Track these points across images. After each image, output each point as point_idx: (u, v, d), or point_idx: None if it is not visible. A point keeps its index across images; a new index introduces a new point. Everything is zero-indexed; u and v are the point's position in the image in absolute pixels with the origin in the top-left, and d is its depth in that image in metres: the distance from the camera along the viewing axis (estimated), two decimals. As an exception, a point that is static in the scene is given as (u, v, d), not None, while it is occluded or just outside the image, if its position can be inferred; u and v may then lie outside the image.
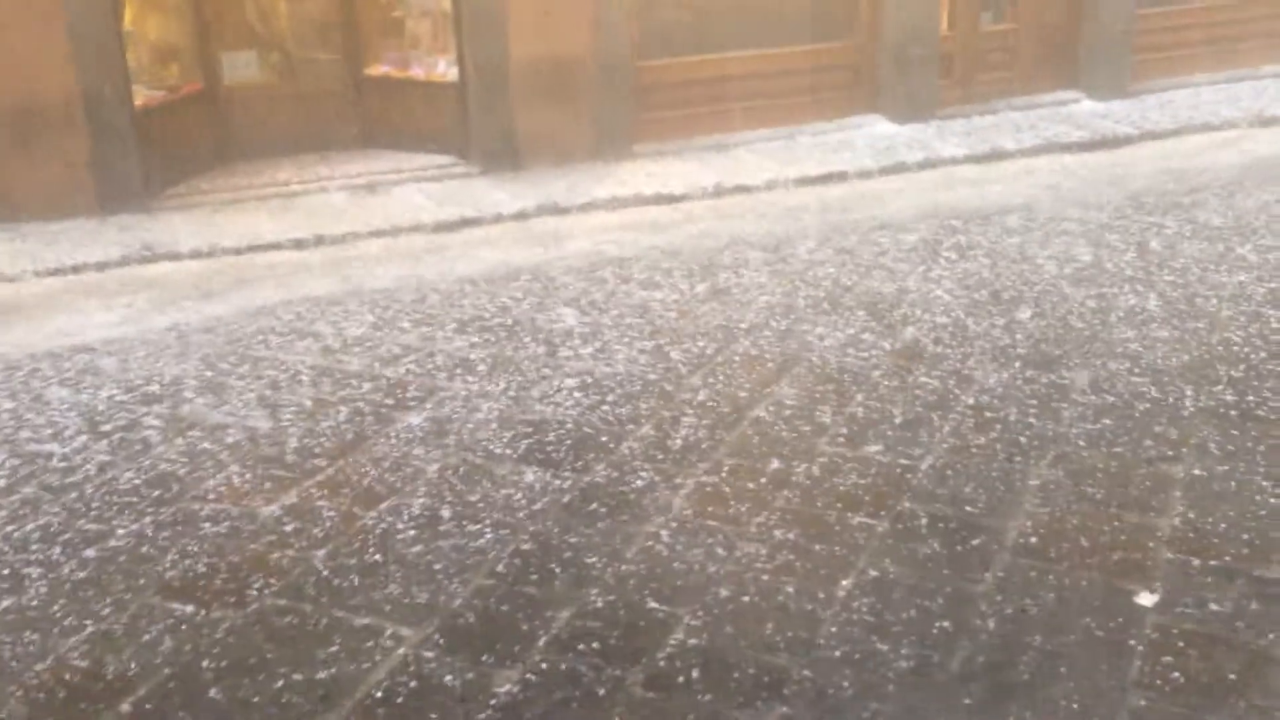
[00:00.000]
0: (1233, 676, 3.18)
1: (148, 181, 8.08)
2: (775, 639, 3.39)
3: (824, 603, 3.55)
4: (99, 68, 7.73)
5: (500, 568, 3.78)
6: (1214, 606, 3.47)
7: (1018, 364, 5.21)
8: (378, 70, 9.15)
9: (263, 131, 8.91)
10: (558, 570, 3.76)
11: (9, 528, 4.11)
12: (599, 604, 3.57)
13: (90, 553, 3.93)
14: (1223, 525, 3.89)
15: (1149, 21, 10.54)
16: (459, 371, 5.35)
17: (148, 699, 3.22)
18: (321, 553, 3.90)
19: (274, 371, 5.40)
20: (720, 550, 3.83)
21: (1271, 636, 3.33)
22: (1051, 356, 5.28)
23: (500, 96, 8.61)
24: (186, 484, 4.38)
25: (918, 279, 6.35)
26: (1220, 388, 4.91)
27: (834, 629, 3.42)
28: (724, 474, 4.33)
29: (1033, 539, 3.85)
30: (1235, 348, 5.32)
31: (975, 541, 3.85)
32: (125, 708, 3.19)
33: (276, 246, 7.36)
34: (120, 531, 4.06)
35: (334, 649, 3.39)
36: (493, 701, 3.16)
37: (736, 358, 5.39)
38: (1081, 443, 4.49)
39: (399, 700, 3.18)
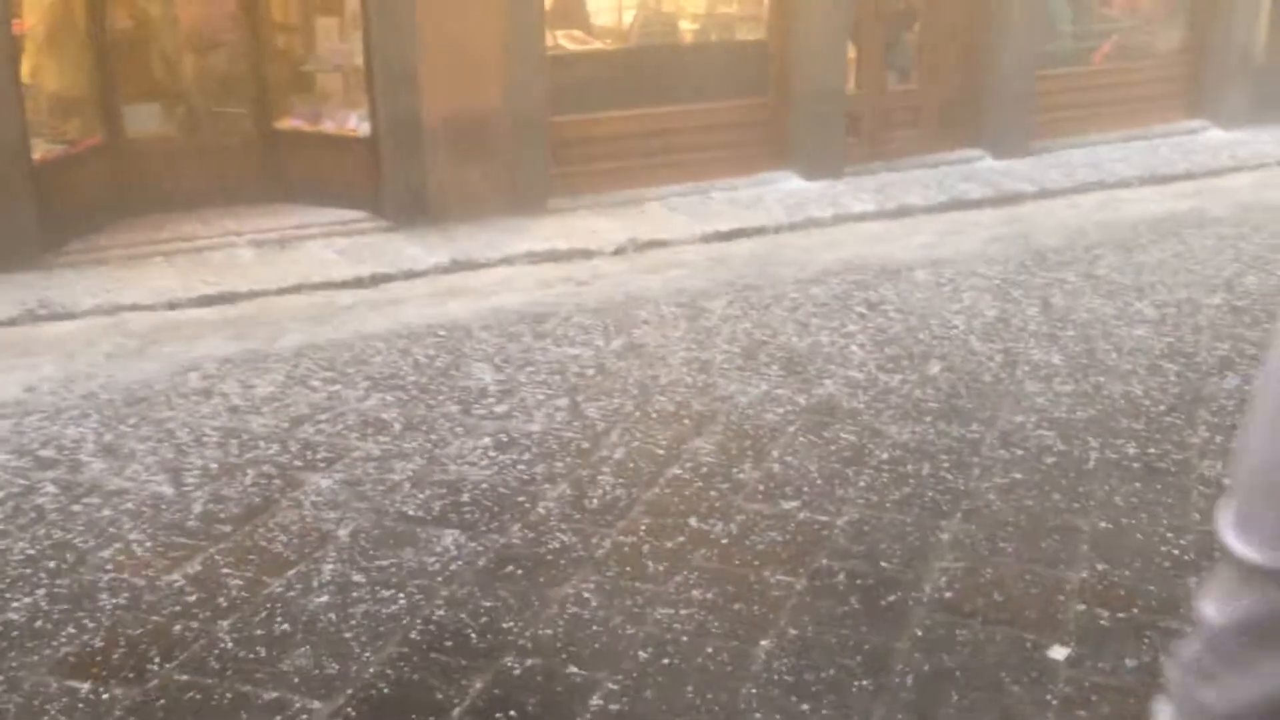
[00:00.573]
0: (1145, 729, 3.22)
1: (46, 237, 7.82)
2: (696, 702, 3.36)
3: (744, 663, 3.52)
4: (-6, 121, 7.49)
5: (414, 634, 3.69)
6: (1125, 660, 3.53)
7: (929, 418, 5.29)
8: (288, 124, 9.02)
9: (168, 186, 8.68)
10: (474, 636, 3.68)
11: (-110, 603, 3.90)
12: (516, 670, 3.50)
13: (-21, 629, 3.75)
14: (1129, 577, 3.98)
15: (1048, 83, 10.90)
16: (371, 431, 5.25)
17: (39, 785, 3.06)
18: (226, 623, 3.76)
19: (178, 433, 5.24)
20: (639, 611, 3.79)
21: (1180, 688, 3.38)
22: (962, 410, 5.38)
23: (413, 151, 8.55)
24: (83, 554, 4.21)
25: (830, 334, 6.43)
26: (1123, 441, 5.04)
27: (755, 690, 3.40)
28: (642, 533, 4.30)
29: (948, 594, 3.89)
30: (1136, 400, 5.47)
31: (892, 598, 3.87)
32: (14, 795, 3.03)
33: (181, 304, 7.17)
34: (14, 605, 3.87)
35: (239, 725, 3.27)
36: (406, 777, 3.07)
37: (653, 414, 5.39)
38: (992, 496, 4.56)
39: (308, 778, 3.07)
